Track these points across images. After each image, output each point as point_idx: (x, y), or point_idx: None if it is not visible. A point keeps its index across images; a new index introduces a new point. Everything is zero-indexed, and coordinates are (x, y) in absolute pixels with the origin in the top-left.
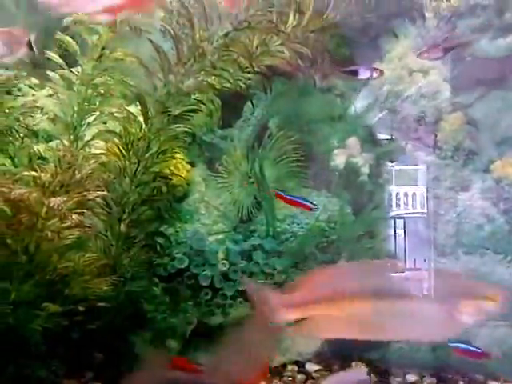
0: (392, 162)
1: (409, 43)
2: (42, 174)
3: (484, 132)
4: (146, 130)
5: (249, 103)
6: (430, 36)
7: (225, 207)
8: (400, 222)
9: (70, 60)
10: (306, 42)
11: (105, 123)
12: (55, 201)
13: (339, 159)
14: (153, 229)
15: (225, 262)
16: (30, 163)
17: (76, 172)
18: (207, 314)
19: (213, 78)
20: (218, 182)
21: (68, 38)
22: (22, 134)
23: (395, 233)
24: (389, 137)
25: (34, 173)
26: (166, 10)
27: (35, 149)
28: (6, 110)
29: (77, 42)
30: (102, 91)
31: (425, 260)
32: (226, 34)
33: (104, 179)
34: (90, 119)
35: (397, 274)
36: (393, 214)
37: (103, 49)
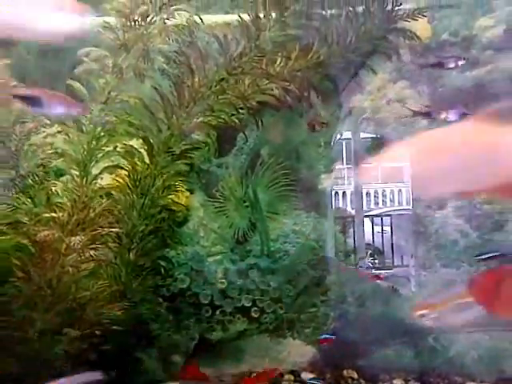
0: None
1: (386, 76)
2: (60, 214)
3: None
4: (152, 167)
5: (242, 134)
6: (406, 69)
7: (222, 230)
8: (386, 220)
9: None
10: (292, 79)
11: (112, 160)
12: (75, 240)
13: (326, 182)
14: (159, 255)
15: (223, 280)
16: (48, 202)
17: (90, 211)
18: (208, 329)
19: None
20: (216, 207)
21: (78, 85)
22: (41, 177)
23: (382, 230)
24: (373, 135)
25: (53, 214)
26: (165, 56)
27: (53, 190)
28: (29, 154)
29: (82, 84)
30: (109, 130)
31: (412, 256)
32: (222, 79)
33: (116, 215)
34: (99, 156)
35: None
36: (379, 211)
37: (109, 92)
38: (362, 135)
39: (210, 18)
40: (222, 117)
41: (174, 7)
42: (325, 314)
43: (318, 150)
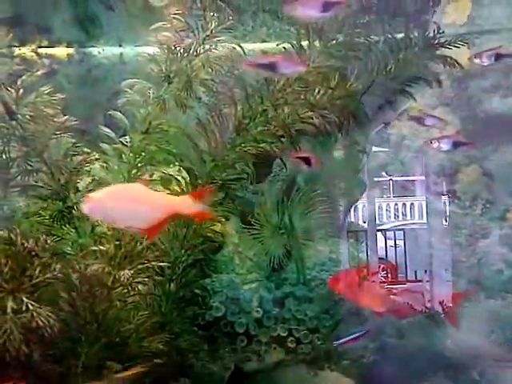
0: (389, 174)
1: (425, 102)
2: (107, 246)
3: (499, 183)
4: None
5: (278, 160)
6: (444, 96)
7: (257, 257)
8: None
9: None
10: (332, 107)
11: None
12: (124, 274)
13: (363, 210)
14: (199, 286)
15: (259, 309)
16: (92, 232)
17: (138, 243)
18: (243, 359)
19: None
20: (251, 234)
21: (120, 115)
22: None
23: (395, 244)
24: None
25: (101, 247)
26: (208, 87)
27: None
28: (79, 187)
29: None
30: (149, 160)
31: (425, 271)
32: (265, 110)
33: (161, 248)
34: None
35: None
36: (392, 225)
37: (150, 122)
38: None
39: (246, 47)
40: (264, 146)
41: (217, 39)
42: (363, 345)
43: (354, 176)
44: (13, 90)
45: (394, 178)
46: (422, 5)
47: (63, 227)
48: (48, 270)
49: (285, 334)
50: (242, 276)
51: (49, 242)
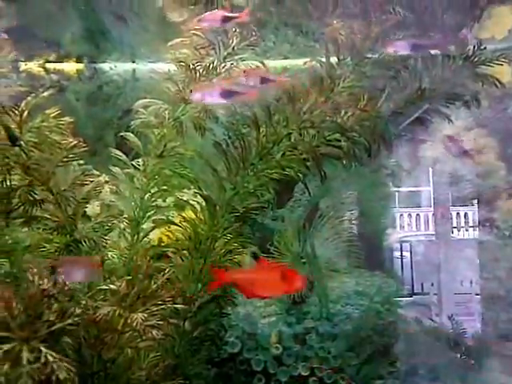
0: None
1: (460, 124)
2: (118, 284)
3: None
4: (213, 229)
5: (299, 184)
6: (483, 116)
7: None
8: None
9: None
10: (360, 129)
11: (166, 216)
12: (137, 318)
13: (392, 238)
14: (216, 324)
15: (278, 345)
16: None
17: (152, 282)
18: None
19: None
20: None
21: (132, 136)
22: (97, 241)
23: (401, 256)
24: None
25: (112, 286)
26: (229, 109)
27: (109, 255)
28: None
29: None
30: (164, 185)
31: (432, 284)
32: (289, 134)
33: (177, 287)
34: (151, 212)
35: None
36: (397, 236)
37: (165, 145)
38: None
39: (267, 64)
40: (288, 172)
41: (239, 56)
42: None
43: (381, 202)
44: (16, 113)
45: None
46: (460, 19)
47: None
48: (67, 315)
49: (306, 374)
50: (260, 309)
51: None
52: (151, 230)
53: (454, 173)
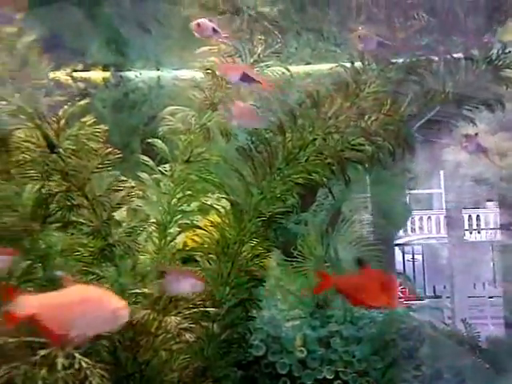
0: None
1: (484, 127)
2: (150, 288)
3: None
4: (241, 233)
5: (321, 189)
6: (507, 119)
7: (301, 292)
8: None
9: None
10: (384, 134)
11: (191, 221)
12: (171, 322)
13: (415, 241)
14: (243, 327)
15: (302, 349)
16: (132, 270)
17: None
18: None
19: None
20: (294, 267)
21: (160, 143)
22: (130, 245)
23: (413, 259)
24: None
25: (145, 289)
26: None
27: (141, 258)
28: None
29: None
30: (190, 190)
31: (444, 287)
32: (315, 139)
33: (207, 290)
34: (178, 216)
35: None
36: (409, 239)
37: (192, 151)
38: None
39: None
40: (314, 177)
41: (265, 63)
42: None
43: (404, 206)
44: (54, 122)
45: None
46: (484, 23)
47: (102, 265)
48: None
49: (331, 377)
50: (284, 312)
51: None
52: (178, 234)
53: (477, 176)
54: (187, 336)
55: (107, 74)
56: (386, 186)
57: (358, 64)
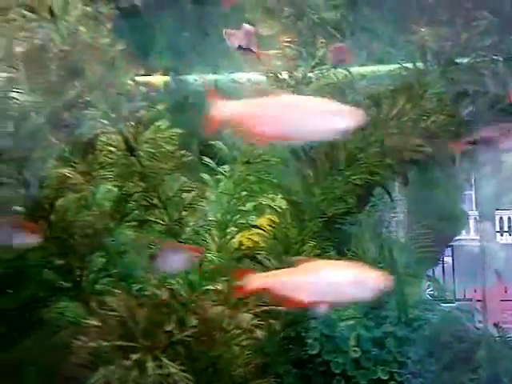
0: None
1: None
2: (220, 285)
3: None
4: (303, 233)
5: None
6: None
7: None
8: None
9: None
10: (444, 134)
11: (250, 220)
12: (245, 318)
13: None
14: (301, 326)
15: (356, 349)
16: (200, 266)
17: None
18: None
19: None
20: None
21: (221, 144)
22: (200, 244)
23: (442, 261)
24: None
25: (218, 286)
26: None
27: (209, 257)
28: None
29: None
30: (249, 190)
31: (475, 290)
32: (376, 141)
33: None
34: (237, 216)
35: None
36: None
37: (253, 152)
38: None
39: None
40: (375, 178)
41: (327, 66)
42: None
43: (457, 207)
44: (133, 126)
45: None
46: None
47: None
48: (185, 326)
49: (385, 378)
50: (339, 312)
51: (183, 293)
52: (237, 233)
53: None
54: (258, 333)
55: (167, 78)
56: (443, 188)
57: (419, 64)
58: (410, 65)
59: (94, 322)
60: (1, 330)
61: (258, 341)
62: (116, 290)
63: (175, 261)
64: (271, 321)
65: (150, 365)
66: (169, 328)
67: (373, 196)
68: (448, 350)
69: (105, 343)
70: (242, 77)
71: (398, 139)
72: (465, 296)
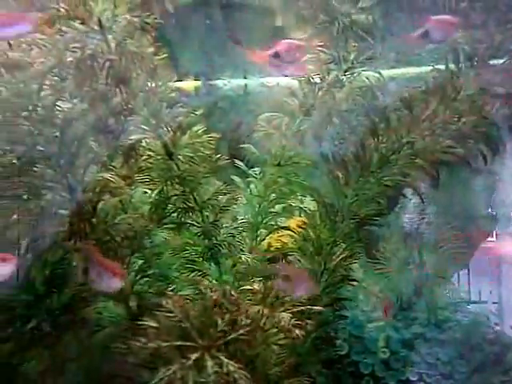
0: None
1: None
2: (256, 286)
3: None
4: (335, 234)
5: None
6: None
7: (383, 294)
8: None
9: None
10: (476, 135)
11: (280, 221)
12: (285, 317)
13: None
14: (332, 326)
15: (385, 350)
16: (233, 267)
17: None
18: None
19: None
20: (376, 269)
21: (253, 148)
22: (234, 245)
23: None
24: None
25: (255, 286)
26: (349, 121)
27: (243, 258)
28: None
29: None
30: (279, 192)
31: (491, 292)
32: (408, 142)
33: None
34: (268, 217)
35: None
36: None
37: (283, 155)
38: None
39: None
40: (407, 180)
41: (360, 69)
42: None
43: (492, 210)
44: (172, 131)
45: None
46: None
47: (204, 263)
48: (237, 325)
49: (415, 379)
50: (367, 313)
51: (233, 293)
52: (268, 235)
53: None
54: (297, 332)
55: (198, 83)
56: (473, 189)
57: (452, 66)
58: (442, 66)
59: (151, 323)
60: (46, 328)
61: (293, 340)
62: (169, 292)
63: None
64: (307, 321)
65: (210, 363)
66: (223, 327)
67: (405, 196)
68: (479, 352)
69: (164, 343)
70: (271, 81)
71: (429, 140)
72: (480, 298)
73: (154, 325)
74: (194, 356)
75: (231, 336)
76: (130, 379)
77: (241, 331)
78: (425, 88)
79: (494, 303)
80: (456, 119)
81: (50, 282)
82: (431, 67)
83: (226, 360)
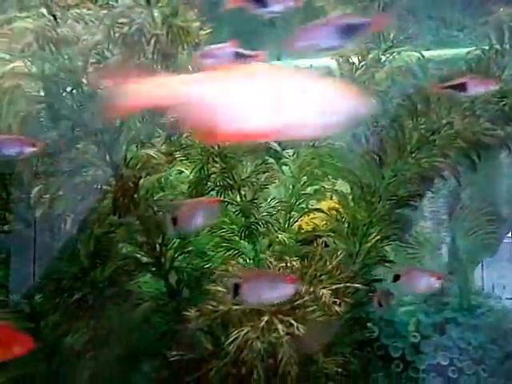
0: None
1: None
2: (294, 264)
3: None
4: (372, 215)
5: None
6: None
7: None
8: None
9: None
10: None
11: (313, 203)
12: (325, 292)
13: None
14: (366, 308)
15: (416, 334)
16: (269, 247)
17: (327, 263)
18: None
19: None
20: (408, 253)
21: None
22: (272, 224)
23: None
24: None
25: (295, 263)
26: (387, 101)
27: (280, 237)
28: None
29: None
30: (313, 174)
31: (504, 287)
32: (449, 123)
33: (351, 269)
34: (301, 200)
35: None
36: None
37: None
38: None
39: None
40: (447, 161)
41: (400, 49)
42: None
43: None
44: None
45: None
46: None
47: (241, 242)
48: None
49: (445, 363)
50: (399, 297)
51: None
52: (301, 216)
53: None
54: (336, 308)
55: None
56: (509, 174)
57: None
58: (486, 47)
59: (221, 288)
60: (91, 300)
61: (331, 317)
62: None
63: None
64: (344, 298)
65: (280, 326)
66: None
67: (444, 179)
68: (511, 338)
69: (235, 307)
70: (305, 63)
71: (470, 122)
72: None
73: (222, 289)
74: (265, 319)
75: (298, 302)
76: (190, 345)
77: (306, 298)
78: (466, 68)
79: (507, 299)
80: (497, 99)
81: (94, 255)
82: (470, 48)
83: (294, 323)
